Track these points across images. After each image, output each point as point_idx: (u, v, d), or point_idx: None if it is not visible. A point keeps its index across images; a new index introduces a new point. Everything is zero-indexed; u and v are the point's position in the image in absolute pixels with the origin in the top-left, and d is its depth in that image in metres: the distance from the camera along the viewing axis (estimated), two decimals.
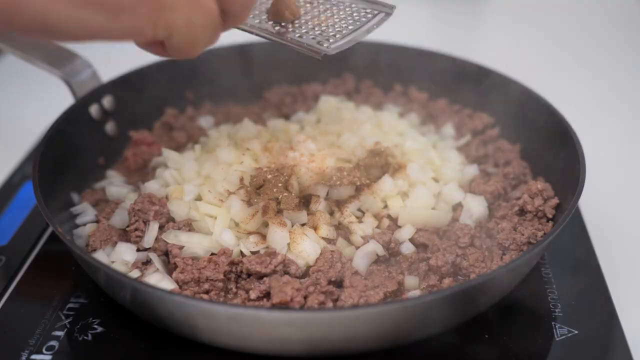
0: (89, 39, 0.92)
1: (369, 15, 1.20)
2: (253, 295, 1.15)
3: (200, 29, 0.98)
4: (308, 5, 1.23)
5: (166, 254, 1.27)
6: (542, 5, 2.77)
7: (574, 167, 1.28)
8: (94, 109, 1.55)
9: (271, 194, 1.29)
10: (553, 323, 1.21)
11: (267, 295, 1.16)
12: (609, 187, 1.64)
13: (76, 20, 0.87)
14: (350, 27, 1.18)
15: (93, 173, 1.53)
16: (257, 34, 1.19)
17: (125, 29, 0.91)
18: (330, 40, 1.16)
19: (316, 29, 1.18)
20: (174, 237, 1.26)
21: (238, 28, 1.13)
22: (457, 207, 1.38)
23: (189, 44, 0.99)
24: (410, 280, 1.24)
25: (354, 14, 1.21)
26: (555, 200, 1.32)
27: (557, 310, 1.24)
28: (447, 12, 2.71)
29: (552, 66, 2.27)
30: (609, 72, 2.24)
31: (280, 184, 1.31)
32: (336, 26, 1.18)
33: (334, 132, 1.51)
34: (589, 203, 1.53)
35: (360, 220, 1.32)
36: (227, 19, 1.03)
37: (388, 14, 1.21)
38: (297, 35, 1.18)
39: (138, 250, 1.27)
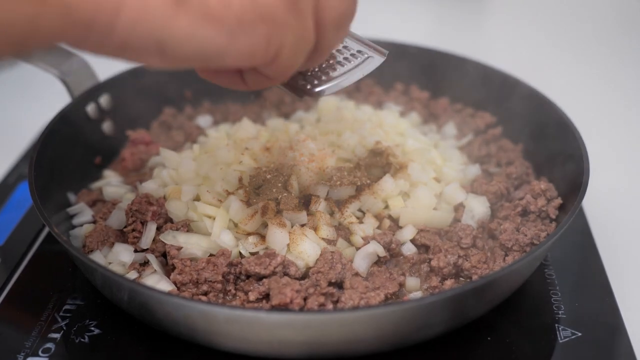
0: (198, 62, 0.87)
1: (358, 59, 1.14)
2: (252, 296, 1.15)
3: (302, 51, 0.92)
4: None
5: (164, 255, 1.27)
6: (546, 3, 2.77)
7: (578, 167, 1.28)
8: (90, 108, 1.55)
9: (270, 194, 1.29)
10: (556, 325, 1.21)
11: (266, 296, 1.16)
12: (613, 187, 1.64)
13: (195, 39, 0.81)
14: (337, 70, 1.12)
15: (90, 173, 1.52)
16: None
17: (241, 50, 0.85)
18: (315, 82, 1.11)
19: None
20: (172, 238, 1.26)
21: None
22: (459, 207, 1.38)
23: (288, 67, 0.93)
24: (412, 282, 1.24)
25: (344, 55, 1.15)
26: (559, 201, 1.32)
27: (560, 312, 1.24)
28: (449, 10, 2.71)
29: (555, 64, 2.27)
30: (613, 70, 2.25)
31: (279, 184, 1.31)
32: (323, 65, 1.13)
33: (334, 132, 1.51)
34: (592, 203, 1.53)
35: (360, 220, 1.32)
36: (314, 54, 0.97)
37: (380, 60, 1.15)
38: None
39: (135, 251, 1.27)
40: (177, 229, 1.28)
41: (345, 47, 1.16)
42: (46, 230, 1.44)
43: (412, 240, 1.30)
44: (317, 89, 1.11)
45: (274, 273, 1.18)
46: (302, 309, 1.11)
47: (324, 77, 1.12)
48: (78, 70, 1.55)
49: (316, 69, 1.13)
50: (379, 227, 1.33)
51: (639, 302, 1.30)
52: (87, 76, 1.56)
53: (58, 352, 1.16)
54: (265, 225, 1.28)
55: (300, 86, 1.11)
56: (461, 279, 1.26)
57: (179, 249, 1.25)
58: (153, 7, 0.79)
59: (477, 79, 1.66)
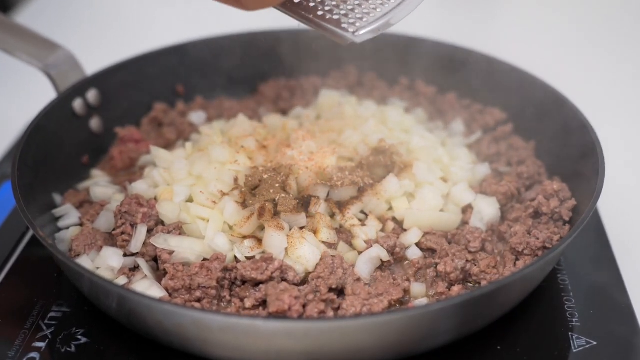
0: None
1: None
2: (248, 303, 1.15)
3: None
4: None
5: (155, 259, 1.27)
6: None
7: (593, 166, 1.28)
8: (77, 104, 1.55)
9: (268, 195, 1.29)
10: (570, 334, 1.21)
11: (263, 303, 1.16)
12: (629, 187, 1.64)
13: None
14: (379, 9, 1.13)
15: (76, 172, 1.53)
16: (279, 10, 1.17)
17: None
18: (357, 25, 1.11)
19: (341, 7, 1.14)
20: (163, 242, 1.26)
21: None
22: (467, 209, 1.38)
23: None
24: (417, 288, 1.24)
25: None
26: (573, 202, 1.32)
27: (574, 319, 1.24)
28: (457, 0, 2.71)
29: (568, 58, 2.27)
30: (630, 66, 2.24)
31: (277, 185, 1.31)
32: (363, 7, 1.13)
33: (335, 129, 1.51)
34: (608, 205, 1.53)
35: (363, 223, 1.32)
36: None
37: None
38: (321, 12, 1.13)
39: (125, 255, 1.27)
40: (169, 232, 1.28)
41: None
42: (30, 233, 1.44)
43: (418, 244, 1.30)
44: (362, 32, 1.11)
45: (271, 278, 1.18)
46: (301, 317, 1.11)
47: (365, 19, 1.12)
48: (64, 63, 1.55)
49: (355, 8, 1.13)
50: (382, 230, 1.33)
51: None
52: (74, 70, 1.56)
53: None
54: (262, 228, 1.28)
55: (342, 30, 1.11)
56: (469, 284, 1.26)
57: (171, 253, 1.25)
58: None
59: (486, 73, 1.66)
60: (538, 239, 1.26)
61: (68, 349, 1.18)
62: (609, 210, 1.53)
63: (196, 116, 1.71)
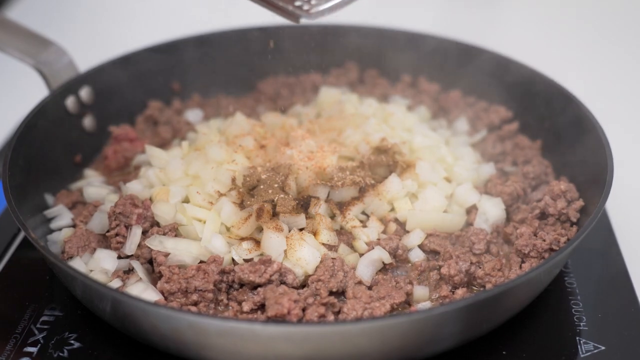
0: None
1: None
2: (246, 307, 1.15)
3: None
4: None
5: (150, 261, 1.27)
6: None
7: (601, 166, 1.28)
8: (70, 102, 1.55)
9: (266, 195, 1.29)
10: (577, 338, 1.21)
11: (261, 307, 1.16)
12: (639, 187, 1.64)
13: None
14: None
15: (69, 172, 1.53)
16: None
17: None
18: (312, 2, 1.08)
19: None
20: (158, 243, 1.26)
21: None
22: (472, 209, 1.38)
23: None
24: (420, 291, 1.24)
25: None
26: (580, 203, 1.32)
27: (582, 323, 1.24)
28: None
29: (576, 55, 2.27)
30: (639, 63, 2.24)
31: (276, 185, 1.31)
32: None
33: (335, 128, 1.51)
34: (617, 205, 1.53)
35: (364, 224, 1.32)
36: None
37: None
38: None
39: (119, 257, 1.27)
40: (165, 234, 1.28)
41: None
42: (22, 234, 1.44)
43: (421, 246, 1.30)
44: (316, 9, 1.08)
45: (269, 281, 1.18)
46: (300, 321, 1.11)
47: None
48: (56, 60, 1.55)
49: None
50: (384, 232, 1.33)
51: None
52: (66, 67, 1.56)
53: None
54: (260, 230, 1.28)
55: (296, 7, 1.08)
56: (474, 288, 1.26)
57: (167, 255, 1.25)
58: None
59: (491, 70, 1.66)
60: (544, 240, 1.26)
61: (60, 354, 1.18)
62: (618, 211, 1.53)
63: (193, 114, 1.71)
